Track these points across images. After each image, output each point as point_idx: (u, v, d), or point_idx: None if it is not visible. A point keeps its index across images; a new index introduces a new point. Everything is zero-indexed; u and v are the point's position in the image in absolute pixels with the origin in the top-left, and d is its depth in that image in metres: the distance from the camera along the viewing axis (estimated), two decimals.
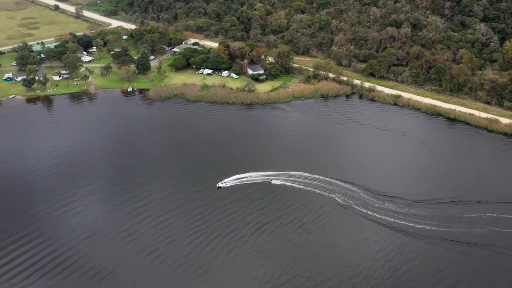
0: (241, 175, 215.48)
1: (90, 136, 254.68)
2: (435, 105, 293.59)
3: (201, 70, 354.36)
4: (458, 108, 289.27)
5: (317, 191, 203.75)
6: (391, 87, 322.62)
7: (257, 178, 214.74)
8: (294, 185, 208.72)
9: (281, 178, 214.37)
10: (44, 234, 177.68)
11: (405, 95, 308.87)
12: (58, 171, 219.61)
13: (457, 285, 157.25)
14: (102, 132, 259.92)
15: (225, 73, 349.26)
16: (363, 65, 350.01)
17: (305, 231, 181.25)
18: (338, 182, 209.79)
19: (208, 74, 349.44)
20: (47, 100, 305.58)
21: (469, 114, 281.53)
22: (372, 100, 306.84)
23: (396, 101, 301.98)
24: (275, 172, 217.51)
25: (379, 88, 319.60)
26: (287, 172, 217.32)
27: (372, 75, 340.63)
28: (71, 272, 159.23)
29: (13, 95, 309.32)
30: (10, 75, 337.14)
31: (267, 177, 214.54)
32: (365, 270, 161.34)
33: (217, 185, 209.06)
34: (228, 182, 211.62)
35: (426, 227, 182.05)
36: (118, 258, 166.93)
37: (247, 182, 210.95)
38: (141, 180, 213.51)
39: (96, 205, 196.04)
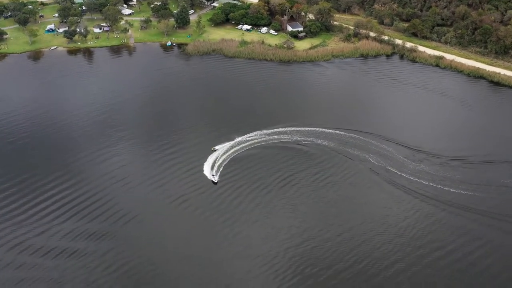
0: (272, 130, 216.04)
1: (127, 87, 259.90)
2: (478, 68, 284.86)
3: (240, 25, 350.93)
4: (502, 71, 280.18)
5: (350, 150, 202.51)
6: (434, 48, 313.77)
7: (290, 133, 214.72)
8: (327, 143, 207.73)
9: (314, 135, 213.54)
10: (75, 178, 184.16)
11: (448, 56, 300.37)
12: (94, 118, 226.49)
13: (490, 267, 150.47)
14: (139, 84, 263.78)
15: (264, 29, 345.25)
16: (406, 25, 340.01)
17: (334, 187, 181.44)
18: (374, 142, 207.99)
19: (247, 30, 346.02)
20: (88, 52, 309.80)
21: None
22: (413, 60, 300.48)
23: (438, 63, 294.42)
24: (309, 129, 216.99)
25: (421, 48, 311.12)
26: (323, 129, 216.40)
27: (414, 35, 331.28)
28: (98, 214, 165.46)
29: (55, 47, 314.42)
30: (52, 26, 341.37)
31: (300, 134, 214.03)
32: (394, 229, 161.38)
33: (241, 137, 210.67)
34: (258, 135, 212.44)
35: (461, 191, 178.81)
36: (145, 203, 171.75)
37: (280, 139, 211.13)
38: (173, 129, 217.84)
39: (128, 152, 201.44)
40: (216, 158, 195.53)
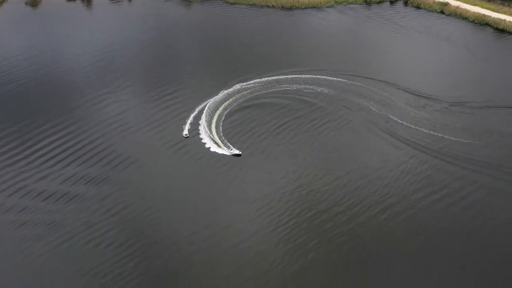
0: (270, 78, 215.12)
1: (127, 33, 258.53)
2: (483, 15, 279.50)
3: None
4: (508, 18, 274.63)
5: (352, 98, 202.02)
6: None
7: (291, 81, 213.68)
8: (327, 90, 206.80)
9: (316, 83, 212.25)
10: (75, 123, 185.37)
11: (453, 3, 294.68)
12: (93, 64, 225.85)
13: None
14: (139, 30, 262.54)
15: None
16: None
17: (332, 134, 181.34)
18: (375, 89, 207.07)
19: None
20: (86, 0, 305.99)
21: None
22: (417, 7, 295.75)
23: (442, 9, 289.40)
24: (310, 76, 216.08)
25: None
26: (324, 77, 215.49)
27: None
28: (99, 159, 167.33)
29: None
30: None
31: (301, 81, 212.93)
32: (390, 174, 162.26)
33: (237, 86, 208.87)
34: (257, 82, 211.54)
35: (462, 139, 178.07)
36: (144, 149, 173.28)
37: (280, 87, 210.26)
38: (173, 75, 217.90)
39: (128, 97, 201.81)
40: (213, 109, 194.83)
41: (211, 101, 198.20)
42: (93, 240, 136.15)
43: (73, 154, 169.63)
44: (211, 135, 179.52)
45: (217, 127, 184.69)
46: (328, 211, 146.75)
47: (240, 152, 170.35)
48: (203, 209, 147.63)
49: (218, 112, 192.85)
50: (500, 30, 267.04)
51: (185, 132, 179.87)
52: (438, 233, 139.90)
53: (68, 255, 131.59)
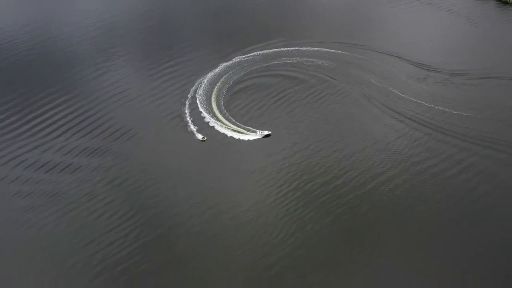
0: (271, 50, 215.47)
1: (124, 3, 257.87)
2: None
3: None
4: None
5: (352, 71, 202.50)
6: None
7: (291, 53, 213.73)
8: (327, 63, 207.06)
9: (317, 55, 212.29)
10: (77, 95, 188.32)
11: None
12: (91, 33, 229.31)
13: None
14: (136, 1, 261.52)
15: None
16: None
17: (331, 107, 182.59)
18: (376, 61, 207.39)
19: None
20: None
21: None
22: None
23: None
24: (311, 48, 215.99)
25: None
26: (325, 49, 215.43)
27: None
28: (101, 131, 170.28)
29: None
30: None
31: (301, 54, 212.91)
32: (389, 146, 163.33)
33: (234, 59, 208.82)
34: (258, 56, 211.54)
35: (463, 113, 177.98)
36: (146, 120, 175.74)
37: (281, 60, 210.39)
38: (170, 45, 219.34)
39: (127, 68, 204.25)
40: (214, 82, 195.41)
41: (209, 75, 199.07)
42: (96, 211, 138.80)
43: (74, 127, 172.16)
44: (224, 123, 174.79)
45: (218, 105, 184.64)
46: (325, 182, 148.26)
47: (270, 132, 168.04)
48: (203, 181, 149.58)
49: (218, 85, 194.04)
50: (503, 2, 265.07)
51: (200, 136, 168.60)
52: (438, 204, 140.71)
53: (71, 226, 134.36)
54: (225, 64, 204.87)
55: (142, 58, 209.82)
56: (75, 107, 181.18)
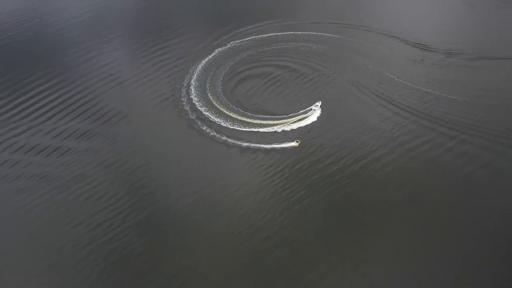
0: (267, 34, 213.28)
1: None
2: None
3: None
4: None
5: (348, 53, 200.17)
6: None
7: (287, 37, 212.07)
8: (323, 48, 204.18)
9: (313, 40, 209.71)
10: (67, 78, 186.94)
11: None
12: (83, 15, 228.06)
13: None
14: None
15: None
16: None
17: (325, 92, 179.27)
18: (371, 43, 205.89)
19: None
20: None
21: None
22: None
23: None
24: (304, 33, 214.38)
25: None
26: (321, 33, 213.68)
27: None
28: (90, 114, 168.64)
29: None
30: None
31: (297, 38, 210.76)
32: (385, 127, 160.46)
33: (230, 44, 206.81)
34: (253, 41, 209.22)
35: (459, 97, 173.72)
36: (136, 103, 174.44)
37: (276, 45, 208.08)
38: (163, 29, 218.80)
39: (119, 53, 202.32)
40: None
41: (204, 62, 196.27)
42: (85, 193, 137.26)
43: (63, 111, 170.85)
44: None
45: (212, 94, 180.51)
46: (316, 162, 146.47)
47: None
48: (193, 163, 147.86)
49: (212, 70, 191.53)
50: None
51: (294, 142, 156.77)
52: (428, 182, 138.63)
53: (61, 207, 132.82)
54: (220, 49, 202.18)
55: (132, 41, 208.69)
56: (64, 90, 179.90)
